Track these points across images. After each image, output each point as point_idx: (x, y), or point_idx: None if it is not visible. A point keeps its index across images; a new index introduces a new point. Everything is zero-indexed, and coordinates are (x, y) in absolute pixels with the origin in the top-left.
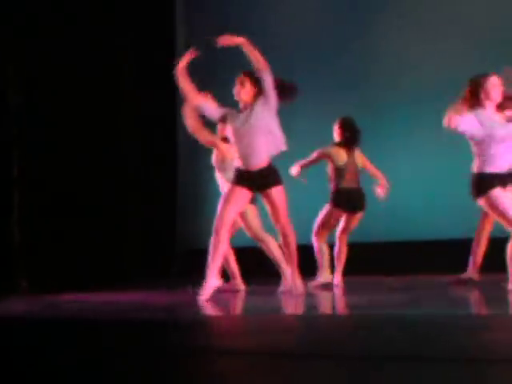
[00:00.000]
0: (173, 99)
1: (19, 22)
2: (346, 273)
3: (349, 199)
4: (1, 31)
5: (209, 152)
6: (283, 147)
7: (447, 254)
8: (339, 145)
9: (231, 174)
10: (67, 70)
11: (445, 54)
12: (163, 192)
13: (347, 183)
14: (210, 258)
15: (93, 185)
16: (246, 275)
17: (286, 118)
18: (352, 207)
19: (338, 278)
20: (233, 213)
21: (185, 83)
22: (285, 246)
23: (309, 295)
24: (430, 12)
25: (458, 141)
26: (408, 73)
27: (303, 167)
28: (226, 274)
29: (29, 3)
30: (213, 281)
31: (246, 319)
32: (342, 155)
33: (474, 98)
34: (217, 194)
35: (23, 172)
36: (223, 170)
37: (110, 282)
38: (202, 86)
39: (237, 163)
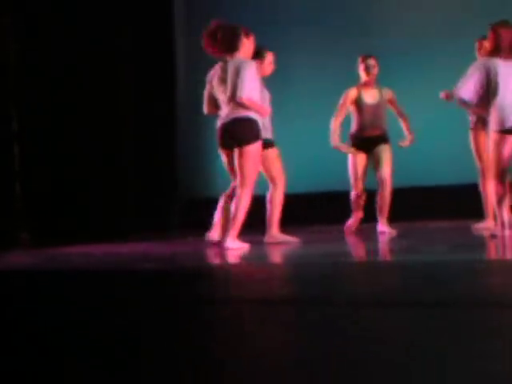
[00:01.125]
0: (171, 51)
1: None
2: (344, 219)
3: None
4: None
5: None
6: None
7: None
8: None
9: None
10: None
11: None
12: (163, 142)
13: None
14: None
15: (92, 135)
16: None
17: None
18: None
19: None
20: None
21: None
22: None
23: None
24: None
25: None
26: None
27: None
28: None
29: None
30: None
31: (251, 267)
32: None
33: None
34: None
35: (23, 125)
36: None
37: (112, 234)
38: None
39: None
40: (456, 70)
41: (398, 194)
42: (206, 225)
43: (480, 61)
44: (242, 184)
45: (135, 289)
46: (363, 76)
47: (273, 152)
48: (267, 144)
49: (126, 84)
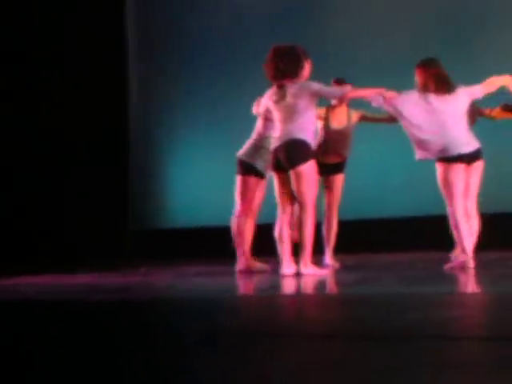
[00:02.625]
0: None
1: None
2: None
3: None
4: None
5: (161, 129)
6: None
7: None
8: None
9: None
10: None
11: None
12: (115, 172)
13: None
14: None
15: (38, 161)
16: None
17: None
18: None
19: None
20: None
21: None
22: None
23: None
24: None
25: None
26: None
27: None
28: None
29: None
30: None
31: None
32: None
33: None
34: (171, 174)
35: None
36: None
37: (62, 264)
38: None
39: None
40: None
41: (351, 225)
42: (158, 255)
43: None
44: (303, 207)
45: (83, 320)
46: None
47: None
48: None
49: (76, 107)
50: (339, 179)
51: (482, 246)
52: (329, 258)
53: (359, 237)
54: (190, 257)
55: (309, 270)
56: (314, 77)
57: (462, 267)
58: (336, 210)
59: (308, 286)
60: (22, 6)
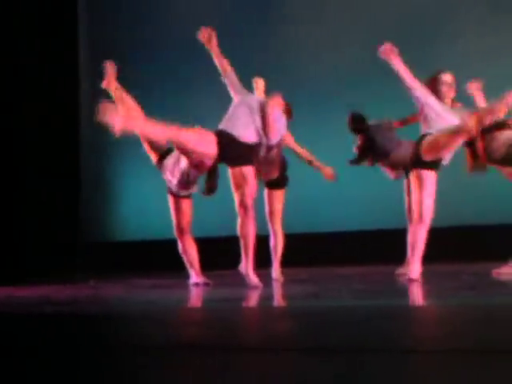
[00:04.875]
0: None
1: None
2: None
3: None
4: None
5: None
6: None
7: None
8: None
9: None
10: None
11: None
12: (66, 183)
13: None
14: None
15: None
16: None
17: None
18: None
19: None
20: None
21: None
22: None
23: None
24: None
25: None
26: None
27: None
28: None
29: None
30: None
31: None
32: None
33: None
34: (122, 186)
35: None
36: None
37: (10, 276)
38: None
39: None
40: None
41: (303, 238)
42: (109, 267)
43: None
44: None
45: (34, 332)
46: None
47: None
48: None
49: (26, 115)
50: (278, 194)
51: (434, 258)
52: (274, 271)
53: (312, 250)
54: (142, 269)
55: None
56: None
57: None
58: (279, 223)
59: (257, 298)
60: None
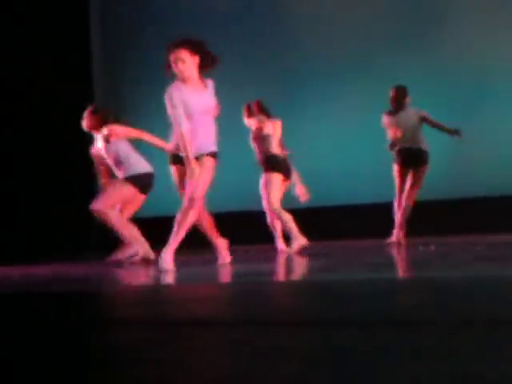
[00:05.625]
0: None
1: None
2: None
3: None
4: None
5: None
6: None
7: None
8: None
9: None
10: None
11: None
12: (81, 165)
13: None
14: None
15: (12, 161)
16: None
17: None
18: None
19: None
20: None
21: None
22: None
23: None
24: None
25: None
26: (331, 42)
27: None
28: None
29: None
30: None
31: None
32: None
33: None
34: None
35: None
36: None
37: (29, 256)
38: None
39: None
40: None
41: (318, 212)
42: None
43: None
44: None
45: (48, 311)
46: None
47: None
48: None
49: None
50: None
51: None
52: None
53: (328, 224)
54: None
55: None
56: None
57: None
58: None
59: (275, 272)
60: None
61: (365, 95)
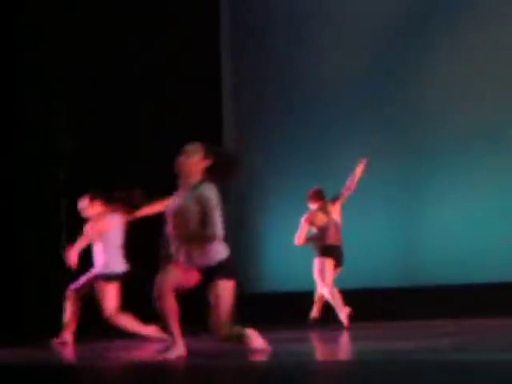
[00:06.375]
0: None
1: None
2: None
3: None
4: None
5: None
6: None
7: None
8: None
9: None
10: None
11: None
12: None
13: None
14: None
15: None
16: None
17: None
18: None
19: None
20: None
21: None
22: None
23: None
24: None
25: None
26: (454, 114)
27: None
28: None
29: None
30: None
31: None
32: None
33: None
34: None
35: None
36: None
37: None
38: None
39: None
40: None
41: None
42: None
43: None
44: None
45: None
46: None
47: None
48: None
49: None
50: None
51: None
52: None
53: (461, 301)
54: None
55: None
56: None
57: None
58: None
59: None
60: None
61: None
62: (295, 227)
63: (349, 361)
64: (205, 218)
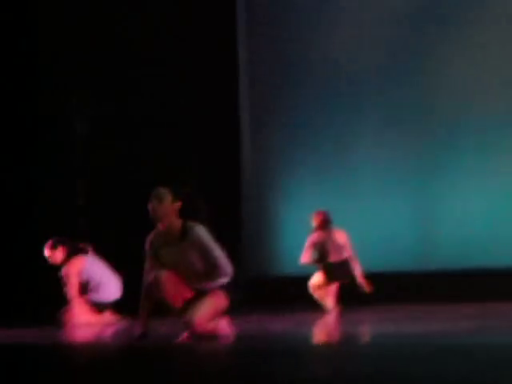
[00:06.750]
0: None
1: None
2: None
3: None
4: None
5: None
6: None
7: None
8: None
9: None
10: None
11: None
12: (228, 216)
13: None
14: None
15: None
16: None
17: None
18: None
19: None
20: None
21: None
22: None
23: None
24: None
25: None
26: (472, 98)
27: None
28: None
29: None
30: None
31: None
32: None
33: None
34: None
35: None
36: None
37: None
38: None
39: None
40: None
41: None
42: (271, 302)
43: None
44: None
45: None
46: None
47: None
48: None
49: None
50: None
51: None
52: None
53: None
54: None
55: None
56: None
57: None
58: None
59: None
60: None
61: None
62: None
63: (364, 343)
64: (209, 260)
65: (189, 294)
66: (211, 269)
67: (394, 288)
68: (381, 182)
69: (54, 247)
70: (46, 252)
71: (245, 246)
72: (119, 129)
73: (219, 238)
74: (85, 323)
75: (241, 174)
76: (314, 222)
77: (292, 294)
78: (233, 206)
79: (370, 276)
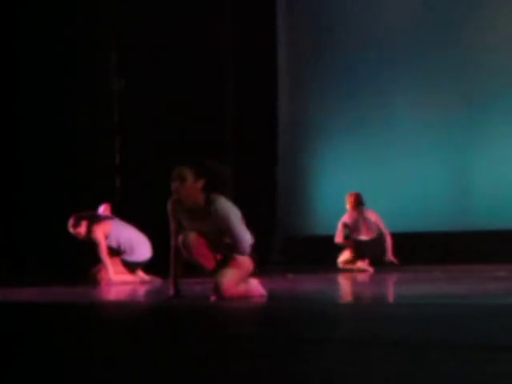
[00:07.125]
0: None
1: None
2: (448, 262)
3: None
4: None
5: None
6: None
7: None
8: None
9: None
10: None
11: None
12: (263, 180)
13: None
14: None
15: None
16: None
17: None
18: None
19: None
20: None
21: None
22: None
23: None
24: None
25: None
26: (509, 59)
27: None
28: None
29: None
30: None
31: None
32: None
33: None
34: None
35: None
36: None
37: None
38: None
39: None
40: None
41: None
42: (304, 262)
43: None
44: None
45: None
46: None
47: None
48: None
49: (228, 123)
50: None
51: None
52: None
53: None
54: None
55: None
56: None
57: None
58: None
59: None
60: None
61: None
62: (347, 171)
63: (397, 303)
64: (230, 236)
65: (218, 256)
66: (233, 243)
67: (427, 248)
68: (417, 142)
69: (77, 224)
70: (71, 230)
71: (279, 206)
72: (157, 90)
73: (255, 201)
74: (118, 283)
75: (277, 137)
76: (348, 203)
77: (326, 253)
78: (269, 169)
79: (405, 236)
